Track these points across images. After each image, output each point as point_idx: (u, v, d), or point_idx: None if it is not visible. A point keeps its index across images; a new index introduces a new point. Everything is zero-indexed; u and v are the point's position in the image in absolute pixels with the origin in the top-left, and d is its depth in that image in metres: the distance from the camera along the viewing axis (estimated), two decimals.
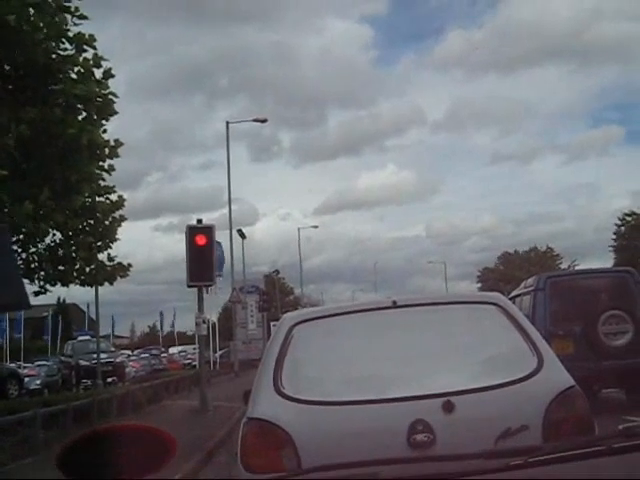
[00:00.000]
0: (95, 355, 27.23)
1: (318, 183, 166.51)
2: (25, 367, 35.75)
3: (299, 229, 72.60)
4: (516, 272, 74.95)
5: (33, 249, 15.48)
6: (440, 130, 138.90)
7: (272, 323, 61.43)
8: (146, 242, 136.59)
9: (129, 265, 17.23)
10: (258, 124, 43.54)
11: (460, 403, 4.46)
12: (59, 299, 59.09)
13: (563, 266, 77.00)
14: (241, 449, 4.62)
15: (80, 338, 40.23)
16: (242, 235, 48.62)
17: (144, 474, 1.74)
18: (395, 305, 5.11)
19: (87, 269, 16.19)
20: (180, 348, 56.51)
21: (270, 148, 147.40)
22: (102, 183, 15.87)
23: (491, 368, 4.74)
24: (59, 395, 18.36)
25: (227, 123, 41.82)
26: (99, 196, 16.13)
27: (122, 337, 75.61)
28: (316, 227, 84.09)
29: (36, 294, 16.17)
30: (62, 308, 58.81)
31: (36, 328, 56.28)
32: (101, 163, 15.01)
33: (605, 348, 13.22)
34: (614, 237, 65.47)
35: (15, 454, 11.40)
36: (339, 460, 3.79)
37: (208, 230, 17.73)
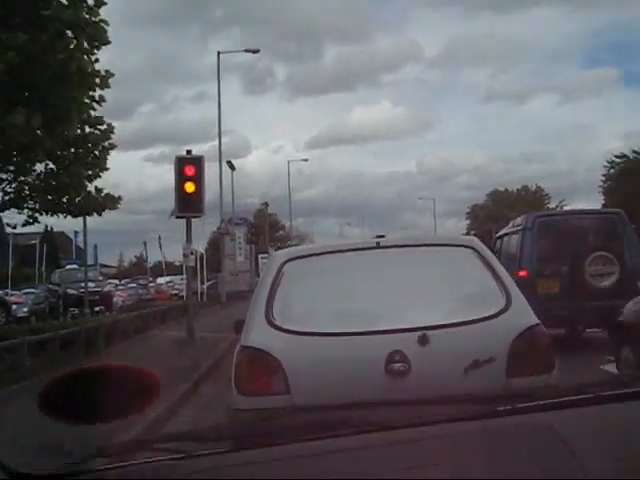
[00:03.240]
0: (83, 284, 27.32)
1: (311, 117, 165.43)
2: (12, 295, 35.67)
3: (289, 162, 72.39)
4: (505, 210, 74.93)
5: (23, 179, 15.39)
6: (435, 67, 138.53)
7: (260, 256, 61.74)
8: (137, 172, 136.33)
9: (119, 197, 17.21)
10: (251, 55, 43.15)
11: (434, 337, 4.95)
12: (47, 227, 59.01)
13: (551, 206, 77.12)
14: (235, 374, 5.12)
15: (68, 267, 40.33)
16: (232, 167, 48.43)
17: (127, 415, 1.76)
18: (378, 246, 5.53)
19: (76, 199, 16.13)
20: (168, 278, 56.35)
21: (264, 81, 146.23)
22: (93, 114, 15.74)
23: (464, 306, 5.19)
24: (46, 323, 18.34)
25: (218, 53, 41.58)
26: (90, 127, 16.01)
27: (109, 266, 75.61)
28: (306, 160, 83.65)
29: (25, 224, 16.16)
30: (50, 236, 58.67)
31: (23, 256, 56.15)
32: (92, 93, 14.83)
33: (590, 289, 13.32)
34: (603, 179, 65.43)
35: (2, 380, 11.44)
36: (323, 385, 4.72)
37: (197, 161, 17.49)
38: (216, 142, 42.29)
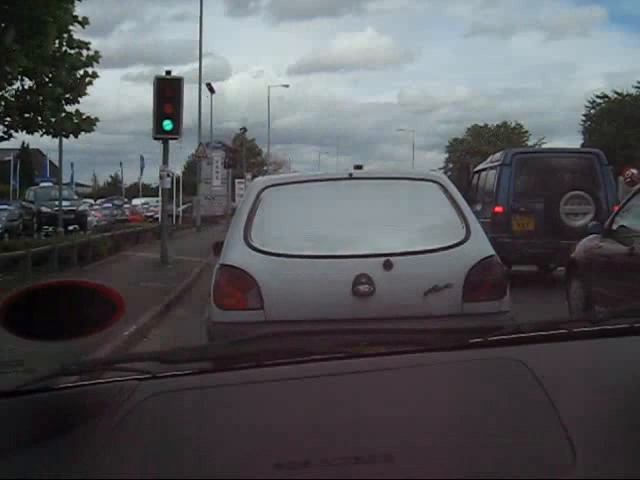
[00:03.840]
0: (57, 202, 27.09)
1: (294, 43, 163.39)
2: None
3: (269, 87, 71.91)
4: (484, 146, 74.96)
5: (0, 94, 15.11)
6: None
7: (237, 180, 61.52)
8: (115, 91, 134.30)
9: (96, 119, 16.96)
10: None
11: (398, 262, 5.39)
12: (23, 143, 58.26)
13: (530, 143, 76.98)
14: (214, 290, 5.52)
15: (42, 184, 39.75)
16: (211, 89, 47.86)
17: (90, 331, 1.71)
18: (351, 177, 5.90)
19: (53, 119, 15.89)
20: (143, 200, 55.98)
21: (247, 4, 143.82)
22: (75, 36, 15.41)
23: (426, 236, 5.60)
24: (19, 241, 18.24)
25: None
26: (71, 48, 15.69)
27: (84, 185, 74.94)
28: (287, 86, 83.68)
29: (0, 139, 15.92)
30: (25, 153, 57.93)
31: None
32: (74, 13, 14.47)
33: (565, 228, 13.38)
34: (584, 119, 65.38)
35: None
36: (295, 302, 5.22)
37: (177, 82, 17.25)
38: (196, 64, 41.66)
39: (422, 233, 5.64)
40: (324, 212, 5.74)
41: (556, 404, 1.47)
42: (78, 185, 62.82)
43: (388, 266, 5.39)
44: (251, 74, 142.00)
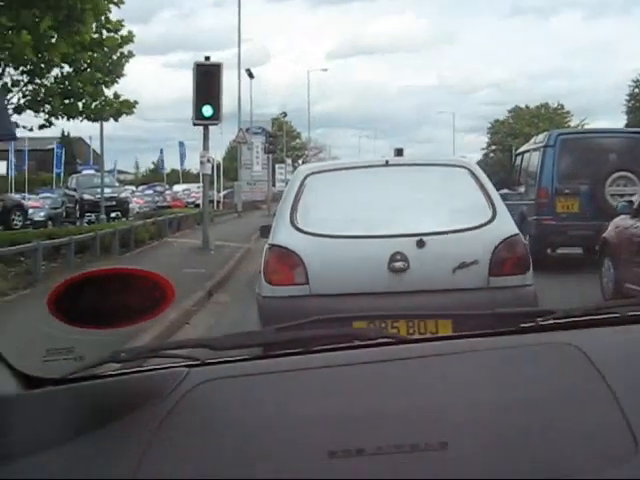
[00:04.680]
0: (99, 189, 27.29)
1: (333, 27, 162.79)
2: (29, 199, 35.72)
3: (308, 72, 71.66)
4: (525, 128, 74.20)
5: (40, 81, 15.17)
6: None
7: (277, 166, 61.55)
8: (155, 78, 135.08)
9: (135, 102, 17.02)
10: None
11: (429, 241, 5.80)
12: (63, 132, 58.76)
13: (572, 124, 75.90)
14: (264, 267, 5.96)
15: (84, 172, 40.02)
16: (250, 75, 47.77)
17: (140, 319, 1.71)
18: (387, 164, 6.39)
19: (93, 104, 15.95)
20: (184, 186, 55.88)
21: None
22: (111, 17, 15.43)
23: (455, 217, 6.01)
24: (62, 228, 18.41)
25: None
26: (107, 31, 15.73)
27: (126, 172, 75.53)
28: (325, 70, 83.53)
29: (41, 127, 16.01)
30: (67, 141, 58.43)
31: (41, 160, 56.14)
32: None
33: (611, 209, 12.75)
34: (627, 98, 64.35)
35: (16, 285, 11.46)
36: (336, 278, 5.71)
37: (216, 68, 17.19)
38: (236, 50, 41.60)
39: (452, 214, 6.06)
40: (362, 196, 6.18)
41: (613, 389, 1.44)
42: (120, 172, 63.31)
43: (421, 244, 5.79)
44: (290, 59, 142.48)
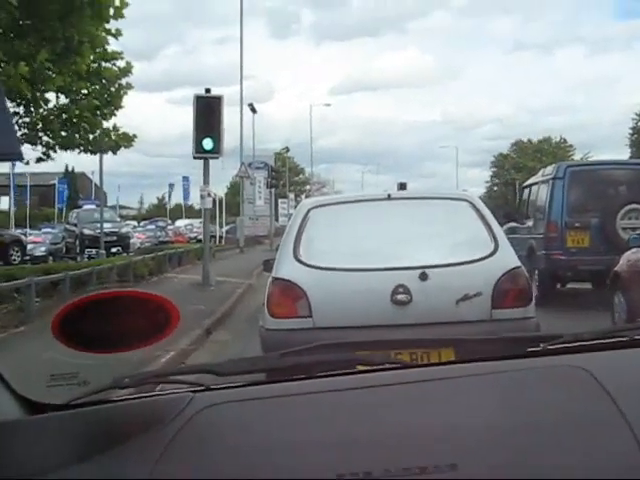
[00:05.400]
0: (99, 224, 26.93)
1: (336, 63, 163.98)
2: (31, 234, 35.49)
3: (311, 106, 71.83)
4: (529, 162, 74.10)
5: (36, 113, 14.90)
6: (463, 15, 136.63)
7: (280, 200, 61.32)
8: (159, 114, 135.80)
9: (134, 136, 16.74)
10: None
11: (432, 274, 5.84)
12: (67, 167, 58.76)
13: (576, 158, 75.69)
14: (267, 300, 6.00)
15: (85, 207, 39.45)
16: (253, 110, 47.58)
17: (145, 343, 1.69)
18: (389, 197, 6.45)
19: (91, 136, 15.67)
20: (187, 221, 55.73)
21: (290, 26, 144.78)
22: (109, 48, 15.21)
23: (458, 249, 6.06)
24: (61, 263, 18.06)
25: None
26: (105, 61, 15.49)
27: (130, 208, 75.46)
28: (329, 105, 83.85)
29: (38, 160, 15.72)
30: (70, 176, 58.40)
31: (43, 195, 56.09)
32: (107, 26, 14.28)
33: (622, 243, 12.31)
34: (631, 132, 64.23)
35: (8, 322, 11.07)
36: (339, 310, 5.69)
37: (216, 100, 16.94)
38: (239, 86, 41.47)
39: (454, 247, 6.10)
40: (365, 230, 6.25)
41: (625, 411, 1.42)
42: (123, 207, 63.23)
43: (424, 277, 5.82)
44: (294, 95, 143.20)
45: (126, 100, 16.18)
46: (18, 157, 2.24)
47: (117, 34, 14.97)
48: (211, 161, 18.17)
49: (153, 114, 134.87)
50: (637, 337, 1.76)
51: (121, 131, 16.33)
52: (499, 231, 6.28)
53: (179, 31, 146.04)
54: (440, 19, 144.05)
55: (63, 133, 15.23)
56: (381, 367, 1.71)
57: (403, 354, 4.64)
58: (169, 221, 56.65)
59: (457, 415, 1.49)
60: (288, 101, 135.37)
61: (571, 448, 1.38)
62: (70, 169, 59.65)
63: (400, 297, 5.77)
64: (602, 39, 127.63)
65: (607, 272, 12.33)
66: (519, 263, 6.15)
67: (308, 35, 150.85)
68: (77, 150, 15.74)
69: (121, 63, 15.87)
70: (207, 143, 16.68)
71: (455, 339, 2.22)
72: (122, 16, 14.04)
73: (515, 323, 5.67)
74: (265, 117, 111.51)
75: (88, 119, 15.15)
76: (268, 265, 6.89)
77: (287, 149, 67.27)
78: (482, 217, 6.24)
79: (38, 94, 13.96)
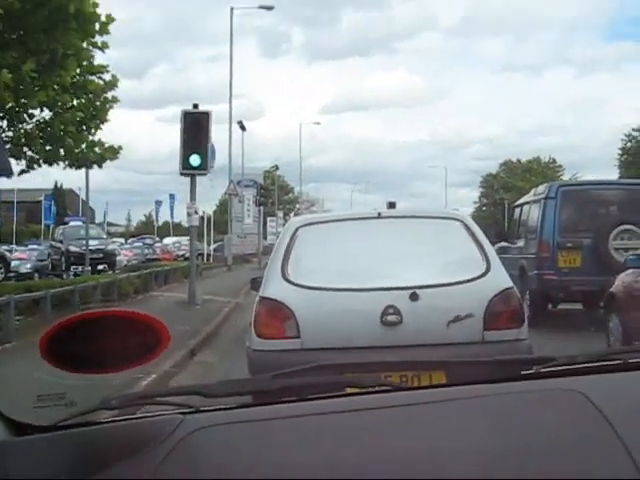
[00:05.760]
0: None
1: (326, 83, 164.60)
2: (17, 250, 35.16)
3: (301, 125, 72.15)
4: (518, 182, 74.23)
5: (20, 127, 14.64)
6: (452, 36, 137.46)
7: (269, 219, 61.12)
8: (149, 132, 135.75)
9: (119, 147, 16.46)
10: (268, 19, 42.97)
11: (423, 294, 5.75)
12: (56, 184, 58.44)
13: (565, 178, 75.82)
14: (254, 320, 5.90)
15: (72, 223, 38.99)
16: (242, 127, 47.44)
17: (133, 364, 1.66)
18: (379, 216, 6.32)
19: (76, 150, 15.37)
20: (175, 239, 55.29)
21: (280, 45, 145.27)
22: (95, 62, 15.00)
23: (449, 269, 5.98)
24: (42, 281, 17.73)
25: (231, 9, 40.36)
26: (91, 74, 15.22)
27: (118, 225, 75.16)
28: (318, 123, 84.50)
29: (21, 172, 15.45)
30: (58, 193, 58.06)
31: (30, 212, 55.76)
32: (92, 40, 14.08)
33: (614, 264, 12.39)
34: (620, 152, 64.39)
35: None
36: (328, 331, 5.60)
37: (204, 116, 16.64)
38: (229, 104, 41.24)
39: (446, 267, 6.02)
40: (355, 248, 6.15)
41: (622, 436, 1.39)
42: (111, 224, 62.88)
43: (414, 298, 5.73)
44: (284, 114, 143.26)
45: (114, 116, 16.00)
46: (8, 173, 2.39)
47: (103, 47, 14.76)
48: (200, 179, 17.94)
49: (143, 132, 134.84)
50: (632, 360, 1.75)
51: (107, 145, 16.06)
52: (491, 251, 6.23)
53: (170, 49, 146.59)
54: (430, 40, 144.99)
55: (47, 147, 14.96)
56: (370, 390, 1.68)
57: (393, 377, 4.51)
58: (157, 238, 56.30)
59: (448, 439, 1.46)
60: (278, 120, 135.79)
61: (567, 472, 1.36)
62: (59, 186, 59.28)
63: (390, 318, 5.68)
64: (591, 61, 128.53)
65: (599, 293, 12.23)
66: (511, 284, 6.07)
67: (299, 54, 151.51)
68: (62, 164, 15.50)
69: (107, 77, 15.65)
70: (194, 159, 16.40)
71: (446, 361, 2.20)
72: (107, 32, 13.87)
73: (507, 345, 5.61)
74: (255, 136, 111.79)
75: (73, 134, 14.89)
76: (256, 283, 6.78)
77: (276, 167, 67.27)
78: (474, 236, 6.15)
79: (21, 109, 13.72)
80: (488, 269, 5.96)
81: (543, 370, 1.71)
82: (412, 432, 1.50)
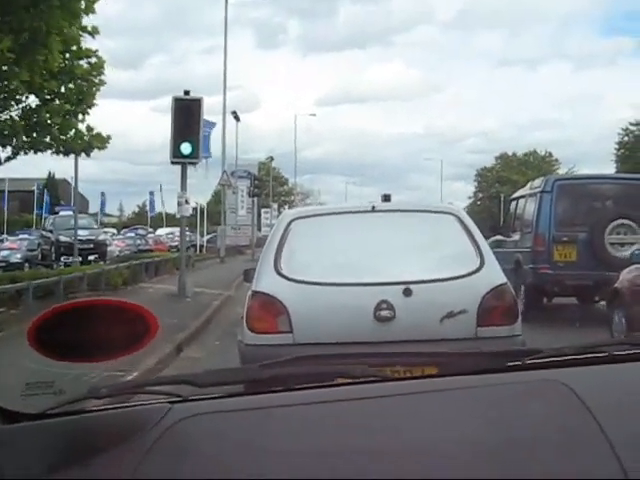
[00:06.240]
0: (78, 231, 26.20)
1: (322, 75, 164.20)
2: (8, 240, 34.91)
3: (296, 116, 71.65)
4: (513, 175, 74.04)
5: (6, 114, 14.27)
6: (449, 29, 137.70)
7: (263, 210, 60.81)
8: (144, 122, 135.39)
9: (108, 137, 16.00)
10: (264, 10, 41.97)
11: (416, 290, 5.75)
12: (49, 173, 58.07)
13: (561, 172, 75.59)
14: (247, 314, 5.91)
15: (62, 213, 38.52)
16: (236, 118, 47.08)
17: (122, 353, 1.67)
18: (374, 210, 6.31)
19: (63, 137, 14.95)
20: (168, 230, 54.66)
21: (276, 37, 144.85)
22: (83, 45, 14.65)
23: (443, 264, 5.98)
24: (26, 272, 17.43)
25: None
26: (79, 59, 14.83)
27: (111, 215, 74.78)
28: (314, 115, 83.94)
29: (7, 159, 15.09)
30: (52, 183, 57.68)
31: (23, 201, 55.47)
32: (83, 23, 13.76)
33: (610, 258, 12.66)
34: (617, 147, 64.23)
35: None
36: (321, 326, 5.61)
37: (196, 103, 16.28)
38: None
39: (439, 262, 6.01)
40: (348, 242, 6.12)
41: (603, 426, 1.40)
42: (105, 215, 62.50)
43: (407, 293, 5.73)
44: (279, 106, 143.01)
45: (109, 106, 15.72)
46: None
47: (94, 32, 14.42)
48: (195, 170, 17.59)
49: (138, 122, 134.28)
50: (617, 352, 1.77)
51: (95, 132, 15.63)
52: (485, 246, 6.22)
53: (166, 40, 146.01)
54: (427, 33, 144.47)
55: (34, 135, 14.59)
56: (360, 380, 1.68)
57: (383, 370, 4.54)
58: (150, 229, 55.95)
59: (435, 430, 1.47)
60: (274, 112, 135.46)
61: (550, 463, 1.37)
62: (52, 175, 58.93)
63: (383, 313, 5.68)
64: (587, 55, 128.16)
65: (594, 287, 12.61)
66: (505, 279, 6.08)
67: (295, 46, 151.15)
68: (48, 152, 15.10)
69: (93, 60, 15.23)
70: (185, 147, 16.07)
71: (436, 352, 2.19)
72: (93, 11, 13.48)
73: (501, 341, 5.60)
74: (250, 127, 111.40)
75: (60, 122, 14.52)
76: (248, 275, 6.81)
77: (271, 158, 67.02)
78: (468, 231, 6.14)
79: (4, 94, 13.36)
80: (482, 265, 5.95)
81: (529, 362, 1.71)
82: (400, 422, 1.50)
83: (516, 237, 14.51)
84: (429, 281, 5.81)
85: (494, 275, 5.99)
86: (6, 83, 12.96)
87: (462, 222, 6.20)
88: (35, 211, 48.00)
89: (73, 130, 15.06)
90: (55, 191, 57.51)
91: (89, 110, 15.28)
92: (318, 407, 1.57)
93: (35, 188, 48.49)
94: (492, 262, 6.07)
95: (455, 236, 6.12)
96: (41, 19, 11.70)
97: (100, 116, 15.58)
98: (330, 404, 1.57)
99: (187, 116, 15.93)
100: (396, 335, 5.49)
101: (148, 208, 65.81)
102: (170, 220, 61.66)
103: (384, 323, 5.67)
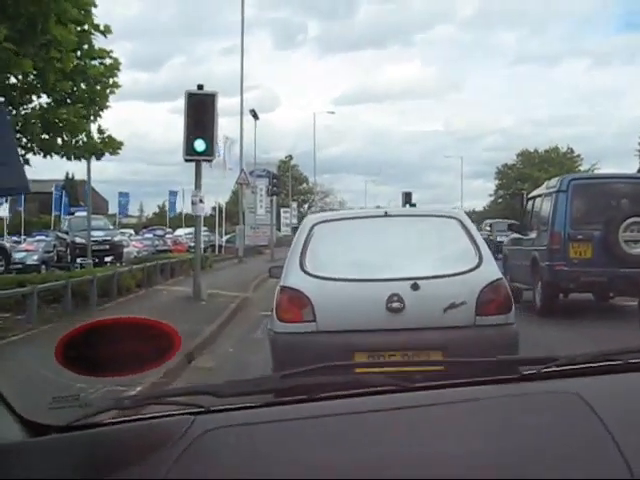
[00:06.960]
0: (93, 232, 25.85)
1: (341, 74, 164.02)
2: (25, 242, 34.85)
3: (315, 114, 71.62)
4: (535, 172, 73.32)
5: (17, 114, 13.99)
6: (467, 28, 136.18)
7: (282, 210, 60.62)
8: (164, 124, 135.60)
9: (120, 143, 15.68)
10: (284, 10, 41.25)
11: (423, 284, 6.54)
12: (67, 174, 58.19)
13: (583, 168, 74.78)
14: (276, 307, 6.72)
15: (77, 214, 37.96)
16: (255, 116, 46.66)
17: (145, 368, 1.76)
18: (386, 215, 7.27)
19: (73, 141, 14.66)
20: (187, 230, 54.52)
21: (295, 37, 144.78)
22: (96, 45, 14.44)
23: (446, 262, 6.79)
24: (35, 275, 17.10)
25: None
26: (92, 59, 14.56)
27: (131, 216, 74.81)
28: (333, 113, 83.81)
29: (25, 162, 14.84)
30: (70, 184, 57.76)
31: (43, 203, 55.55)
32: (95, 22, 13.59)
33: (624, 255, 13.08)
34: None
35: None
36: (340, 316, 6.46)
37: (210, 98, 15.76)
38: (245, 95, 40.57)
39: (443, 260, 6.83)
40: (364, 243, 6.98)
41: (616, 437, 1.40)
42: (127, 216, 62.49)
43: (415, 287, 6.52)
44: (298, 105, 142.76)
45: (128, 107, 15.47)
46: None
47: (106, 31, 14.22)
48: (214, 169, 17.18)
49: (158, 123, 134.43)
50: (631, 361, 1.77)
51: (106, 134, 15.36)
52: (483, 246, 6.97)
53: (185, 42, 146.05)
54: (444, 31, 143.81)
55: (46, 136, 14.28)
56: (380, 389, 1.72)
57: (397, 355, 6.15)
58: (168, 229, 55.82)
59: (453, 441, 1.49)
60: (293, 111, 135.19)
61: (563, 476, 1.37)
62: (70, 176, 59.04)
63: (394, 305, 6.47)
64: (606, 52, 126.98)
65: (609, 283, 13.27)
66: (500, 275, 6.95)
67: (313, 46, 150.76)
68: (58, 155, 14.74)
69: (109, 61, 15.01)
70: (199, 144, 15.58)
71: (450, 361, 2.32)
72: (95, 4, 13.29)
73: (496, 329, 6.46)
74: (270, 127, 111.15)
75: (73, 124, 14.15)
76: (273, 271, 7.87)
77: (291, 157, 66.89)
78: (468, 233, 6.96)
79: (13, 91, 13.10)
80: (480, 262, 6.74)
81: (544, 371, 1.74)
82: (418, 433, 1.54)
83: (533, 235, 14.87)
84: (434, 277, 6.61)
85: (491, 271, 6.78)
86: (20, 78, 12.63)
87: (463, 225, 7.02)
88: (53, 212, 47.94)
89: (84, 133, 14.78)
90: (75, 192, 57.59)
91: (101, 113, 15.03)
92: (340, 418, 1.61)
93: (53, 189, 48.40)
94: (489, 260, 6.85)
95: (457, 237, 6.93)
96: (39, 5, 11.30)
97: (120, 118, 15.32)
98: (351, 415, 1.61)
99: (201, 112, 15.48)
100: (405, 323, 6.41)
101: (167, 208, 65.77)
102: (189, 220, 61.62)
103: (395, 313, 6.47)
